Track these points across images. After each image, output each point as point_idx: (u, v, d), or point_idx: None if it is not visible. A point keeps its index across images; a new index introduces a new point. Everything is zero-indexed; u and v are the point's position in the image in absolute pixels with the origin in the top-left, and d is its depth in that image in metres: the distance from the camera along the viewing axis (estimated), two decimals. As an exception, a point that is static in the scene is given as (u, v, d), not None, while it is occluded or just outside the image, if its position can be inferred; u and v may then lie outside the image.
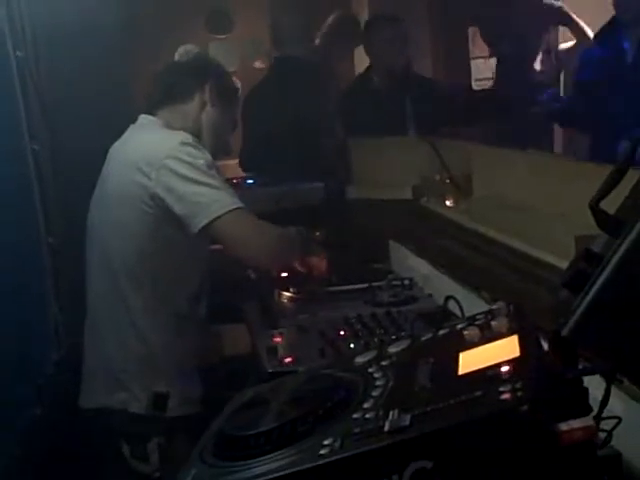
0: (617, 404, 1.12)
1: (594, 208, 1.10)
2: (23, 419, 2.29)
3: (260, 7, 5.19)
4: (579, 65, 3.55)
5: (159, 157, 2.18)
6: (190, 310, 2.33)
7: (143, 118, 2.39)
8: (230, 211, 2.14)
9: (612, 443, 1.21)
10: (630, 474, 1.26)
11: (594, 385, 1.00)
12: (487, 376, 0.93)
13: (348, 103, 3.75)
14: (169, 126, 2.33)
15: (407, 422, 0.89)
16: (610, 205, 1.10)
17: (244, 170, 3.67)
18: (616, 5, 3.16)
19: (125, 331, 2.26)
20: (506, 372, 0.92)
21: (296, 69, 3.71)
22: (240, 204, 2.18)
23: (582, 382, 0.96)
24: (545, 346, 1.04)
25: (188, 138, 2.23)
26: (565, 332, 0.99)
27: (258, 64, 5.28)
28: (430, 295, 2.34)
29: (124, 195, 2.23)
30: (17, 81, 2.72)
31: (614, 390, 1.06)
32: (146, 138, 2.33)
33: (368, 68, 3.87)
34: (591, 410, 0.96)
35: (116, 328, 2.28)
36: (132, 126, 2.40)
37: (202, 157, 2.19)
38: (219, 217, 2.13)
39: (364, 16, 5.03)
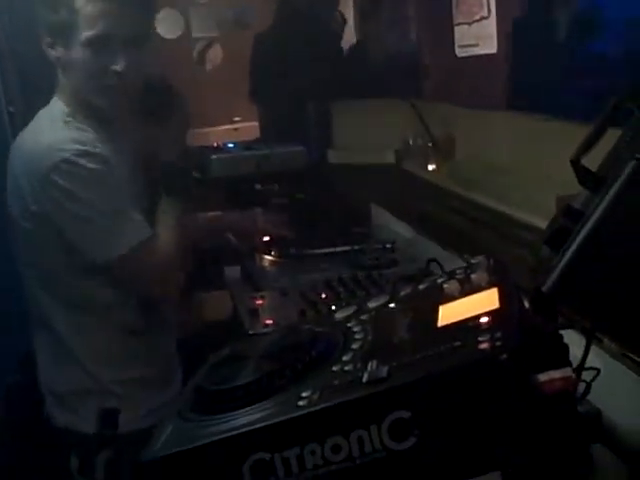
0: (597, 362, 1.11)
1: (575, 164, 1.10)
2: (4, 386, 2.26)
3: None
4: None
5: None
6: (137, 323, 2.00)
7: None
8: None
9: (592, 400, 1.22)
10: (609, 429, 1.26)
11: (575, 344, 1.00)
12: (466, 327, 0.93)
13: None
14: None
15: (384, 373, 0.88)
16: (593, 163, 1.09)
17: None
18: None
19: (60, 355, 1.98)
20: (485, 323, 0.92)
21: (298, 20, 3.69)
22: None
23: (561, 336, 0.96)
24: (526, 303, 1.03)
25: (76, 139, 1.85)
26: (545, 288, 0.99)
27: (240, 29, 5.22)
28: (412, 258, 2.33)
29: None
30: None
31: (594, 347, 1.06)
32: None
33: None
34: (570, 364, 0.96)
35: (51, 351, 2.00)
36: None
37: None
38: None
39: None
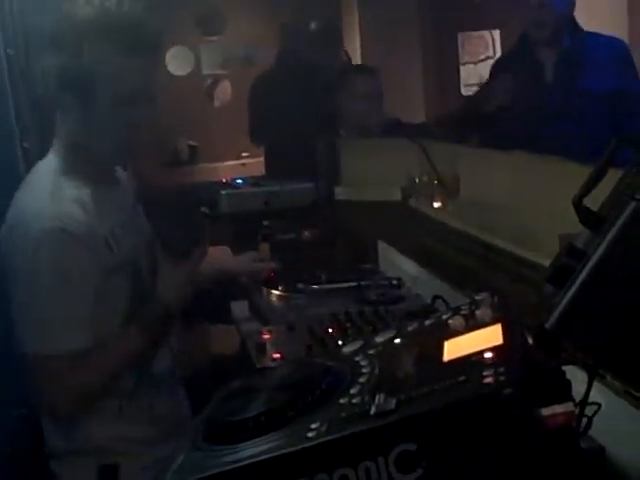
0: (600, 398, 1.13)
1: (577, 205, 1.13)
2: (11, 418, 2.26)
3: (252, 9, 5.22)
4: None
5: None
6: (127, 384, 1.88)
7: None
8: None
9: (595, 437, 1.24)
10: (612, 466, 1.28)
11: (578, 380, 1.02)
12: (471, 362, 0.95)
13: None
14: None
15: (392, 406, 0.91)
16: (594, 203, 1.13)
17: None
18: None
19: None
20: (489, 358, 0.94)
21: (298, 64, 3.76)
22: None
23: (564, 372, 0.98)
24: (530, 340, 1.06)
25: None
26: (548, 325, 1.02)
27: (249, 67, 5.30)
28: (418, 294, 2.36)
29: None
30: (7, 78, 2.73)
31: (597, 384, 1.08)
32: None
33: None
34: (573, 399, 0.98)
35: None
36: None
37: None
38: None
39: (354, 20, 5.06)
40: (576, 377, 1.01)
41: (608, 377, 1.20)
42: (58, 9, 1.78)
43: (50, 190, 1.76)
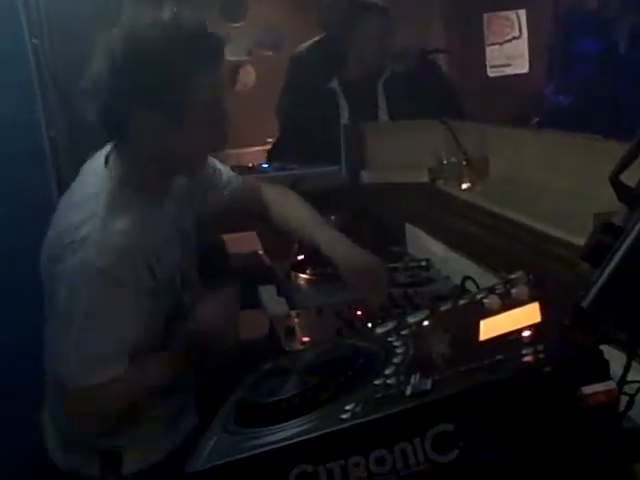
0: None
1: (614, 181, 1.10)
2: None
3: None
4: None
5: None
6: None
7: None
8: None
9: (635, 418, 1.22)
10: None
11: (615, 360, 1.00)
12: (509, 341, 0.93)
13: None
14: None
15: (428, 386, 0.89)
16: (632, 180, 1.10)
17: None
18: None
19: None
20: (528, 336, 0.93)
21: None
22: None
23: (602, 351, 0.96)
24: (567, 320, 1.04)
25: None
26: (585, 304, 0.99)
27: (272, 53, 5.28)
28: (447, 277, 2.33)
29: None
30: (34, 69, 2.73)
31: (637, 365, 1.06)
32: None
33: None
34: (611, 378, 0.96)
35: (54, 384, 1.85)
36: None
37: None
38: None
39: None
40: (614, 357, 0.99)
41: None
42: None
43: (106, 205, 1.72)
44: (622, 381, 1.03)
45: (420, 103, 3.22)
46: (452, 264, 2.35)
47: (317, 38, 3.82)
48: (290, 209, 2.16)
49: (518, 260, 2.05)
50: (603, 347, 0.97)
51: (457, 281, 2.17)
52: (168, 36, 1.66)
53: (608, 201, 1.09)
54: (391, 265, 2.40)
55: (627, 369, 1.05)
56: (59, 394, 1.80)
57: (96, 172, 1.82)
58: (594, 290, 0.99)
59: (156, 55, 1.65)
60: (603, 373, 0.93)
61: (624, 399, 1.03)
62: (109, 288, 1.68)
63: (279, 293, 2.45)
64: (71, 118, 2.85)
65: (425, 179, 2.86)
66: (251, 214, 2.24)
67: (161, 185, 1.86)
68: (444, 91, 3.45)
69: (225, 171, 2.14)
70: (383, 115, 3.45)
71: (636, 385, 1.05)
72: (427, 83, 3.36)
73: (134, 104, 1.69)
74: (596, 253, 1.04)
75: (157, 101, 1.67)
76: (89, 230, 1.69)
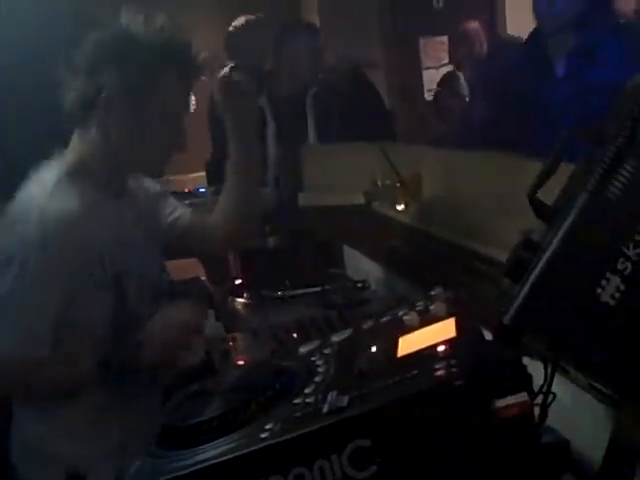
0: (563, 392, 1.13)
1: (531, 198, 1.13)
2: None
3: (210, 18, 5.19)
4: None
5: None
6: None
7: None
8: None
9: (559, 430, 1.24)
10: (578, 460, 1.28)
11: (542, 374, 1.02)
12: (423, 356, 0.95)
13: None
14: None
15: (345, 403, 0.90)
16: (551, 198, 1.13)
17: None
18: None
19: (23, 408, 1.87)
20: (442, 351, 0.94)
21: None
22: None
23: (524, 365, 0.98)
24: (488, 336, 1.06)
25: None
26: (506, 319, 1.01)
27: (210, 77, 5.27)
28: (383, 297, 2.36)
29: None
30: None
31: (561, 378, 1.08)
32: None
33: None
34: (533, 391, 0.98)
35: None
36: None
37: None
38: None
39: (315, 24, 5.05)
40: (541, 371, 1.01)
41: (572, 371, 1.20)
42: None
43: (55, 188, 1.75)
44: (542, 392, 1.04)
45: (350, 119, 3.25)
46: (389, 284, 2.38)
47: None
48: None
49: (451, 280, 2.08)
50: (532, 362, 0.99)
51: (393, 301, 2.19)
52: (154, 42, 1.77)
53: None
54: (327, 287, 2.42)
55: (548, 382, 1.07)
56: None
57: (49, 166, 1.83)
58: (514, 306, 1.02)
59: (139, 55, 1.75)
60: (525, 387, 0.95)
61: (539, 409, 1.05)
62: (46, 257, 1.68)
63: (217, 318, 2.45)
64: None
65: (361, 201, 2.88)
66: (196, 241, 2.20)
67: (113, 180, 1.87)
68: (375, 108, 3.49)
69: (172, 200, 2.14)
70: (311, 131, 3.47)
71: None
72: (357, 98, 3.39)
73: (106, 92, 1.75)
74: (516, 269, 1.07)
75: (126, 93, 1.76)
76: (35, 204, 1.71)
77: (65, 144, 1.88)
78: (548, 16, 2.98)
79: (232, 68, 2.02)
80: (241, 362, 1.91)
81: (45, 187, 1.75)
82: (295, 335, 2.05)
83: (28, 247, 1.68)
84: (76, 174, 1.79)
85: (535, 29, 3.14)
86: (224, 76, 2.02)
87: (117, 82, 1.75)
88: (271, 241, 2.84)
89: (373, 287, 2.47)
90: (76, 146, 1.85)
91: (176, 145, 1.88)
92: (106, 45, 1.77)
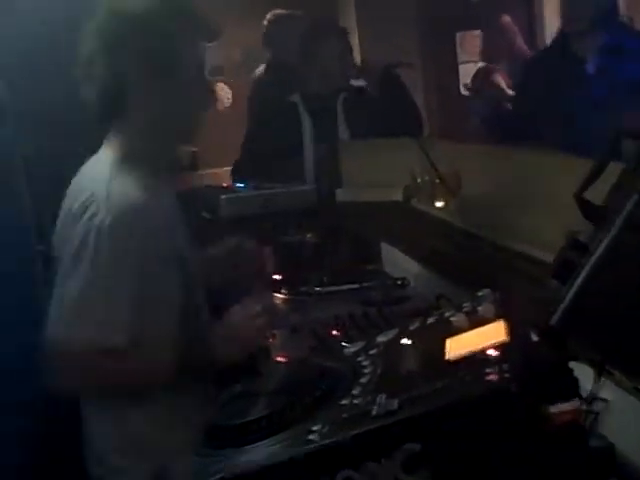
0: (609, 395, 1.11)
1: (578, 199, 1.12)
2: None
3: (249, 13, 5.20)
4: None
5: None
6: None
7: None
8: None
9: (604, 434, 1.22)
10: (623, 464, 1.26)
11: (587, 377, 1.00)
12: (474, 360, 0.94)
13: None
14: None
15: (395, 406, 0.89)
16: (599, 197, 1.11)
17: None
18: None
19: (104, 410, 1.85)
20: (493, 355, 0.93)
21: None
22: None
23: (571, 369, 0.97)
24: (534, 337, 1.04)
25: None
26: (553, 321, 1.00)
27: (248, 71, 5.28)
28: (422, 294, 2.34)
29: None
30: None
31: (607, 381, 1.06)
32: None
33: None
34: (580, 396, 0.96)
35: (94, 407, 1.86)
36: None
37: None
38: None
39: (352, 20, 5.04)
40: (585, 374, 0.99)
41: (616, 374, 1.18)
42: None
43: (112, 177, 1.76)
44: (591, 399, 1.03)
45: (381, 120, 3.23)
46: (427, 282, 2.36)
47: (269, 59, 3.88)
48: None
49: (491, 278, 2.06)
50: (576, 365, 0.98)
51: (432, 299, 2.17)
52: (159, 6, 1.78)
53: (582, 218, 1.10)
54: (366, 284, 2.41)
55: (596, 387, 1.05)
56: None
57: (98, 159, 1.86)
58: (561, 308, 1.00)
59: (148, 22, 1.76)
60: (572, 391, 0.94)
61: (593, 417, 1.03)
62: (118, 242, 1.69)
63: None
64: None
65: (399, 198, 2.87)
66: None
67: (162, 158, 1.91)
68: (406, 108, 3.46)
69: None
70: (344, 131, 3.45)
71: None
72: (389, 99, 3.36)
73: (132, 72, 1.77)
74: (564, 270, 1.05)
75: (153, 66, 1.77)
76: (97, 195, 1.72)
77: (98, 138, 1.88)
78: (574, 16, 2.96)
79: None
80: (281, 359, 1.90)
81: (101, 178, 1.77)
82: (334, 332, 2.04)
83: (98, 237, 1.68)
84: (127, 161, 1.81)
85: (561, 30, 3.12)
86: None
87: (135, 66, 1.77)
88: (309, 237, 2.83)
89: (411, 284, 2.45)
90: (118, 135, 1.85)
91: (205, 97, 1.92)
92: (109, 28, 1.77)
